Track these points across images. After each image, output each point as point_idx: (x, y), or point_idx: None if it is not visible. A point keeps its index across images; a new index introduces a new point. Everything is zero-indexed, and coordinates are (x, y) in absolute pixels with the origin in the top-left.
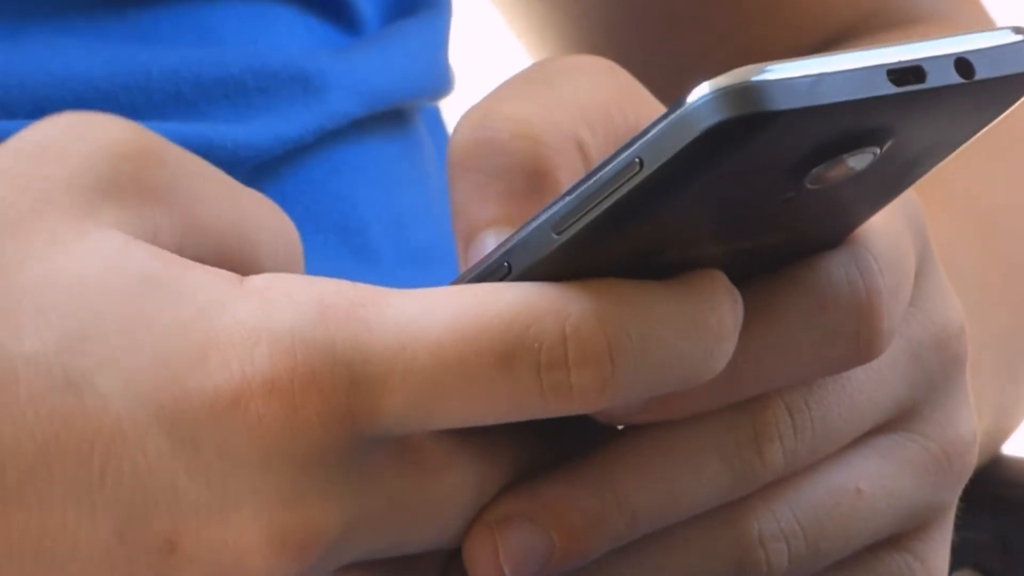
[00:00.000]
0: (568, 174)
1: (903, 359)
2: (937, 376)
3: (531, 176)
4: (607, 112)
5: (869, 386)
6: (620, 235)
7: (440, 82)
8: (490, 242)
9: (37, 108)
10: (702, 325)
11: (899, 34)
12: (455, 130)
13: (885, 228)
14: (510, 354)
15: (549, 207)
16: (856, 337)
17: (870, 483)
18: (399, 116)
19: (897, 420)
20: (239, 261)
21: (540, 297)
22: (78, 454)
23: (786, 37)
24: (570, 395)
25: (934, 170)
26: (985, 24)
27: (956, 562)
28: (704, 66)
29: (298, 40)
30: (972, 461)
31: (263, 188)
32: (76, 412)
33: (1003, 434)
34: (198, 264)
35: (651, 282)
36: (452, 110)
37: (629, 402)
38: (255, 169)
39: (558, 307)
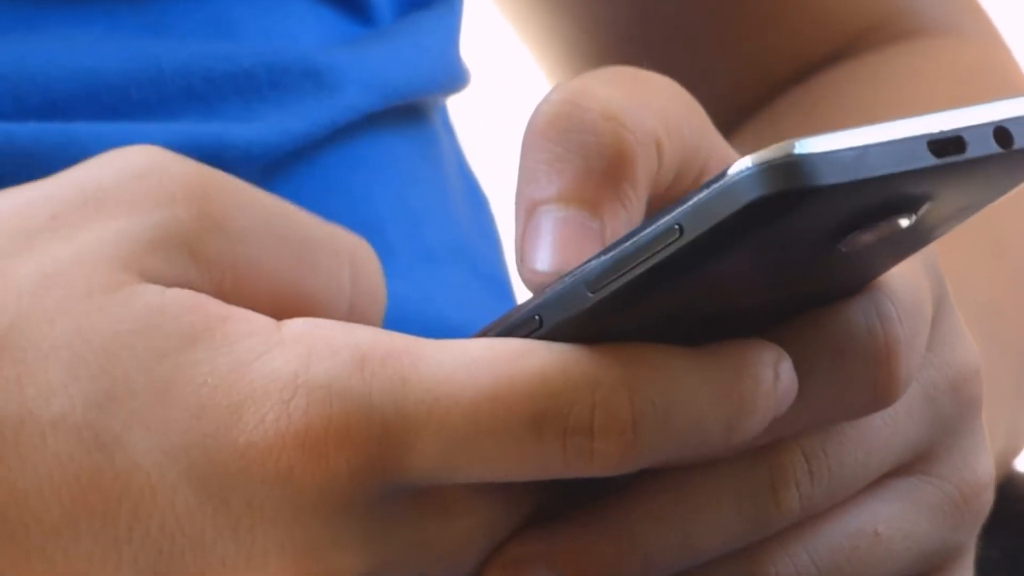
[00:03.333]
0: (645, 169)
1: (919, 403)
2: (953, 419)
3: (611, 159)
4: (680, 125)
5: (885, 431)
6: (654, 297)
7: (454, 77)
8: (549, 218)
9: (48, 103)
10: (725, 398)
11: (906, 48)
12: (542, 100)
13: (905, 276)
14: (540, 417)
15: (584, 265)
16: (874, 384)
17: (887, 526)
18: (414, 111)
19: (913, 463)
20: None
21: (573, 362)
22: (105, 513)
23: (793, 46)
24: (591, 460)
25: None
26: (990, 35)
27: None
28: (711, 74)
29: (311, 30)
30: (989, 502)
31: (275, 186)
32: (104, 472)
33: (1015, 454)
34: (233, 309)
35: (680, 350)
36: (462, 109)
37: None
38: (267, 167)
39: (589, 373)
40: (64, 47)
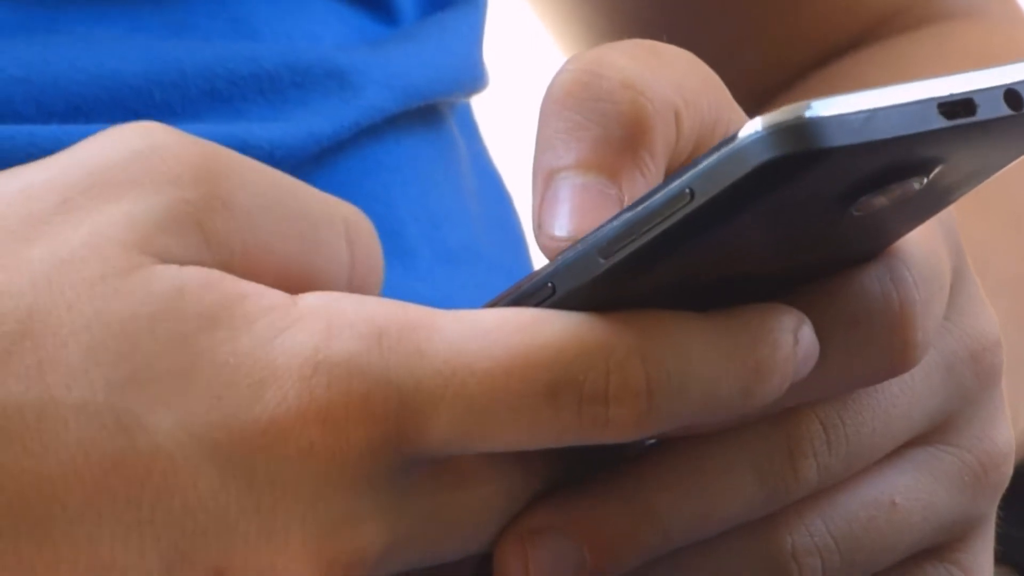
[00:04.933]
0: (663, 138)
1: (937, 372)
2: (972, 388)
3: (629, 128)
4: (697, 96)
5: (903, 399)
6: (666, 263)
7: (475, 78)
8: (566, 185)
9: (71, 107)
10: (742, 364)
11: (931, 31)
12: (559, 69)
13: (920, 240)
14: (556, 386)
15: (595, 232)
16: (890, 349)
17: (905, 496)
18: (432, 113)
19: (932, 433)
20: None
21: (587, 329)
22: (128, 494)
23: (817, 30)
24: (606, 427)
25: None
26: (1017, 18)
27: (994, 559)
28: (734, 58)
29: (333, 31)
30: (1008, 472)
31: None
32: (127, 454)
33: None
34: (250, 286)
35: (696, 316)
36: (485, 108)
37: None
38: (290, 169)
39: (603, 341)
40: (86, 50)
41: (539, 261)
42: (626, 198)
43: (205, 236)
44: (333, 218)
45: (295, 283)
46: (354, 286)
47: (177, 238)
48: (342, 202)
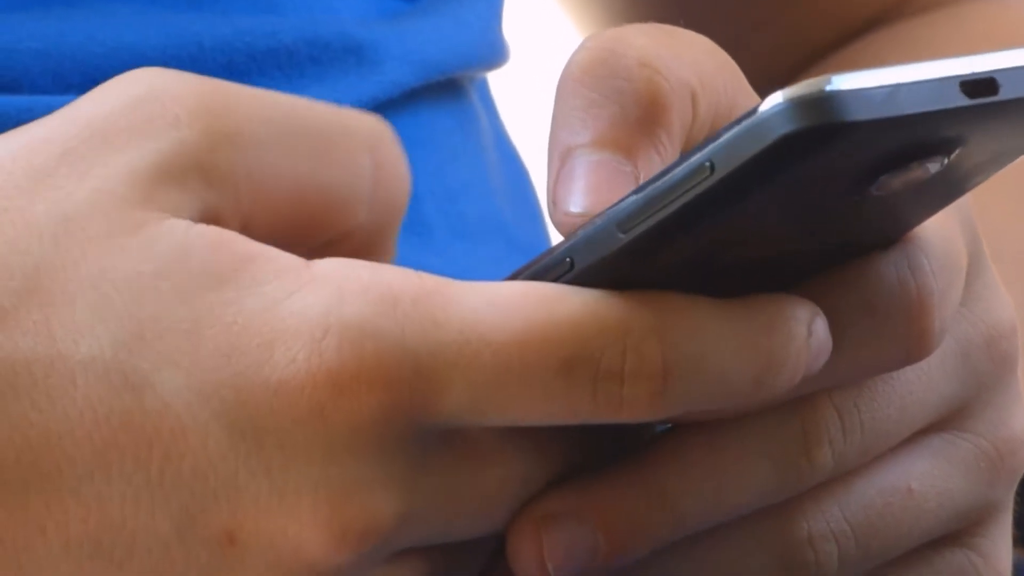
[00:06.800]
0: (680, 117)
1: (953, 359)
2: (987, 375)
3: (647, 106)
4: (714, 79)
5: (919, 386)
6: (685, 238)
7: (494, 52)
8: (582, 162)
9: (88, 79)
10: (755, 351)
11: (948, 11)
12: (576, 48)
13: (938, 228)
14: (571, 361)
15: (614, 206)
16: (907, 337)
17: (921, 482)
18: (453, 87)
19: (948, 419)
20: (317, 229)
21: (605, 307)
22: (136, 454)
23: (835, 11)
24: (620, 406)
25: None
26: None
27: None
28: (752, 40)
29: (352, 5)
30: None
31: None
32: (135, 413)
33: None
34: (262, 248)
35: (713, 301)
36: (504, 84)
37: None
38: None
39: (621, 319)
40: (104, 23)
41: (557, 239)
42: (641, 175)
43: (206, 176)
44: (350, 130)
45: (312, 203)
46: (378, 196)
47: (178, 185)
48: (362, 114)
